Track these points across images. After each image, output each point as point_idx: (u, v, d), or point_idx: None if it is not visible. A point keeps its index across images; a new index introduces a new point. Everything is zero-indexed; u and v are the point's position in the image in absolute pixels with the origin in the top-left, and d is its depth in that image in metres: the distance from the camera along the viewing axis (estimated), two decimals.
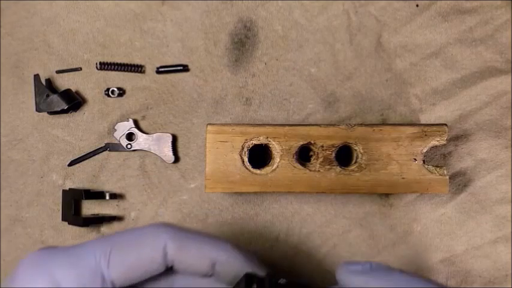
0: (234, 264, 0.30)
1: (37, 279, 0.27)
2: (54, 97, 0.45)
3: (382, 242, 0.47)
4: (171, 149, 0.46)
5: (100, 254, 0.28)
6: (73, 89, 0.46)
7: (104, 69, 0.47)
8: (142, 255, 0.28)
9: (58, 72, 0.47)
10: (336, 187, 0.41)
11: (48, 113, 0.46)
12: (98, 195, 0.45)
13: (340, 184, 0.41)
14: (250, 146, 0.41)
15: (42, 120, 0.47)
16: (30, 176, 0.46)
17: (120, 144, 0.46)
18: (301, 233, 0.46)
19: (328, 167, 0.41)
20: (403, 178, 0.41)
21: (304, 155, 0.42)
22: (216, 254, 0.30)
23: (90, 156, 0.46)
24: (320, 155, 0.41)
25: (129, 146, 0.46)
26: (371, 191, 0.41)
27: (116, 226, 0.46)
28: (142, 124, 0.47)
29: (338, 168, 0.41)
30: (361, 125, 0.41)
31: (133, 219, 0.46)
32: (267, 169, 0.42)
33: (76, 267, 0.27)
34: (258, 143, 0.41)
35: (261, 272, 0.31)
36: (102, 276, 0.28)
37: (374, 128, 0.41)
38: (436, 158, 0.47)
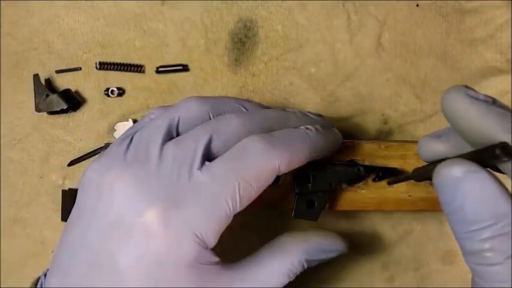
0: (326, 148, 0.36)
1: None
2: (54, 97, 0.45)
3: (382, 242, 0.47)
4: None
5: (230, 198, 0.30)
6: (73, 89, 0.46)
7: (103, 69, 0.47)
8: (262, 186, 0.32)
9: (58, 72, 0.47)
10: (341, 204, 0.41)
11: (47, 113, 0.46)
12: None
13: (346, 201, 0.41)
14: None
15: (42, 120, 0.47)
16: (30, 176, 0.46)
17: None
18: None
19: None
20: (409, 196, 0.41)
21: None
22: (314, 153, 0.35)
23: (90, 156, 0.46)
24: None
25: None
26: (377, 208, 0.41)
27: None
28: None
29: (344, 185, 0.41)
30: (368, 141, 0.41)
31: None
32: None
33: (211, 217, 0.30)
34: None
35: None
36: (234, 213, 0.31)
37: (381, 145, 0.41)
38: None
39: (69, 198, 0.45)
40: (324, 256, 0.35)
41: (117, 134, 0.46)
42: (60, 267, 0.32)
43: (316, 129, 0.36)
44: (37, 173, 0.46)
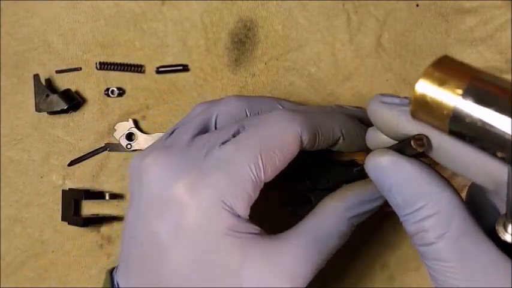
0: (356, 133, 0.36)
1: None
2: (54, 97, 0.45)
3: (382, 242, 0.47)
4: None
5: (253, 164, 0.31)
6: (73, 89, 0.46)
7: (103, 69, 0.47)
8: (287, 155, 0.32)
9: (58, 72, 0.47)
10: None
11: (47, 113, 0.46)
12: (98, 195, 0.45)
13: None
14: None
15: (42, 120, 0.47)
16: (30, 176, 0.46)
17: (120, 144, 0.46)
18: None
19: None
20: None
21: None
22: (338, 131, 0.35)
23: (90, 156, 0.46)
24: None
25: (129, 146, 0.46)
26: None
27: (115, 226, 0.46)
28: (142, 124, 0.47)
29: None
30: None
31: None
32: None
33: (236, 183, 0.31)
34: None
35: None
36: (260, 182, 0.31)
37: None
38: None
39: (69, 198, 0.45)
40: (369, 206, 0.35)
41: (117, 134, 0.46)
42: (123, 252, 0.34)
43: (345, 114, 0.36)
44: (37, 173, 0.46)
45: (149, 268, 0.32)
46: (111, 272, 0.35)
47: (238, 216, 0.31)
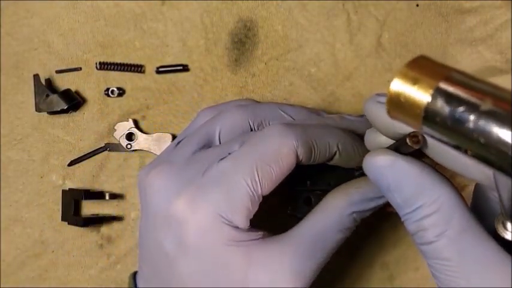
0: (353, 149, 0.36)
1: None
2: (54, 97, 0.45)
3: (382, 242, 0.47)
4: None
5: (249, 178, 0.31)
6: (73, 89, 0.46)
7: (103, 69, 0.47)
8: (284, 168, 0.32)
9: (58, 72, 0.47)
10: None
11: (47, 113, 0.46)
12: (98, 195, 0.45)
13: None
14: None
15: (42, 120, 0.47)
16: (30, 176, 0.46)
17: (120, 144, 0.46)
18: None
19: None
20: None
21: None
22: (335, 145, 0.35)
23: (90, 156, 0.46)
24: None
25: (129, 146, 0.46)
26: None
27: (115, 226, 0.46)
28: (142, 124, 0.47)
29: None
30: None
31: (133, 219, 0.46)
32: None
33: (233, 197, 0.31)
34: None
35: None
36: (257, 196, 0.32)
37: None
38: None
39: (69, 198, 0.45)
40: (373, 204, 0.34)
41: (117, 134, 0.46)
42: (139, 258, 0.36)
43: (344, 128, 0.37)
44: (37, 173, 0.46)
45: (160, 276, 0.33)
46: (134, 275, 0.36)
47: (237, 227, 0.32)
